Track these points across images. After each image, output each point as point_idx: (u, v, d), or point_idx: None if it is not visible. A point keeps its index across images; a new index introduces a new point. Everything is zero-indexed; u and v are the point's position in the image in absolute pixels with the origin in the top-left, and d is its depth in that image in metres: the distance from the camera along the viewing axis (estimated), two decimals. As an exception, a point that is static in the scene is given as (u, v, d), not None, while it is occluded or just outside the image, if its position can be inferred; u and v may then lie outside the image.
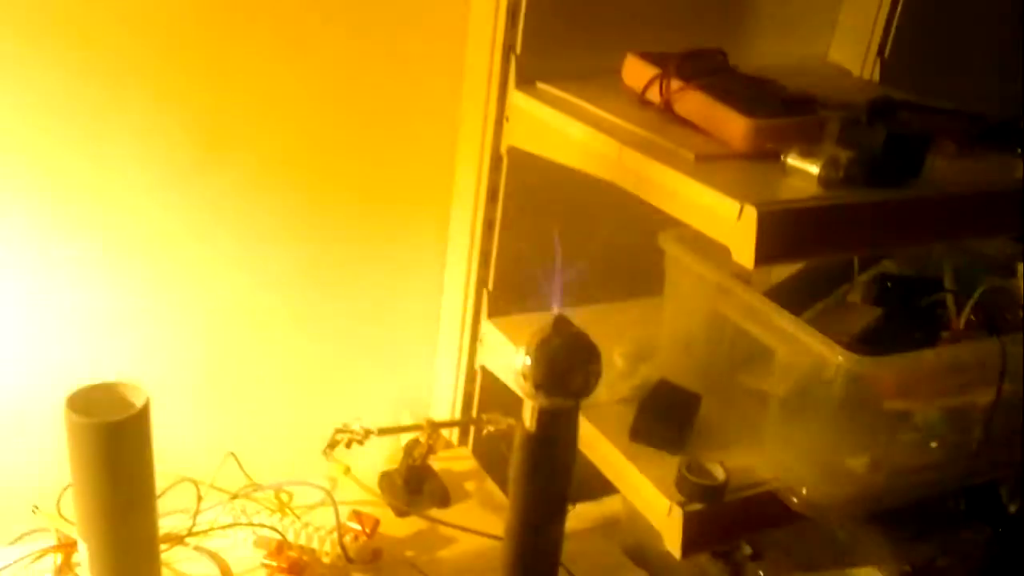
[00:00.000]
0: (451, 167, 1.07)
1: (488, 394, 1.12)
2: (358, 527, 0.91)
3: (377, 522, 0.93)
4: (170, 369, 1.00)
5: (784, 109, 0.85)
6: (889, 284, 1.02)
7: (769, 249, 0.73)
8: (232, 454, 0.92)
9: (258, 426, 1.06)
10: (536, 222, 1.05)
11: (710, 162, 0.80)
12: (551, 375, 0.45)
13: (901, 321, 0.98)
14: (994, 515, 1.17)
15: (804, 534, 1.17)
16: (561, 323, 0.46)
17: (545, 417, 0.46)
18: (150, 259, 0.96)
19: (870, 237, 0.80)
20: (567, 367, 0.46)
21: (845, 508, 0.89)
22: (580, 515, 1.17)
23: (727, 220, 0.74)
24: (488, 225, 1.04)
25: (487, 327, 1.08)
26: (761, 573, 1.14)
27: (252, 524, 0.90)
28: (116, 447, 0.65)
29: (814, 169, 0.77)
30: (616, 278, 1.08)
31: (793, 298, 0.95)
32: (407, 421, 1.08)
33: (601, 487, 0.96)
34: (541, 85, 0.96)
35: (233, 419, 1.05)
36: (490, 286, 1.07)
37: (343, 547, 0.88)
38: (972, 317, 0.97)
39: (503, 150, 1.00)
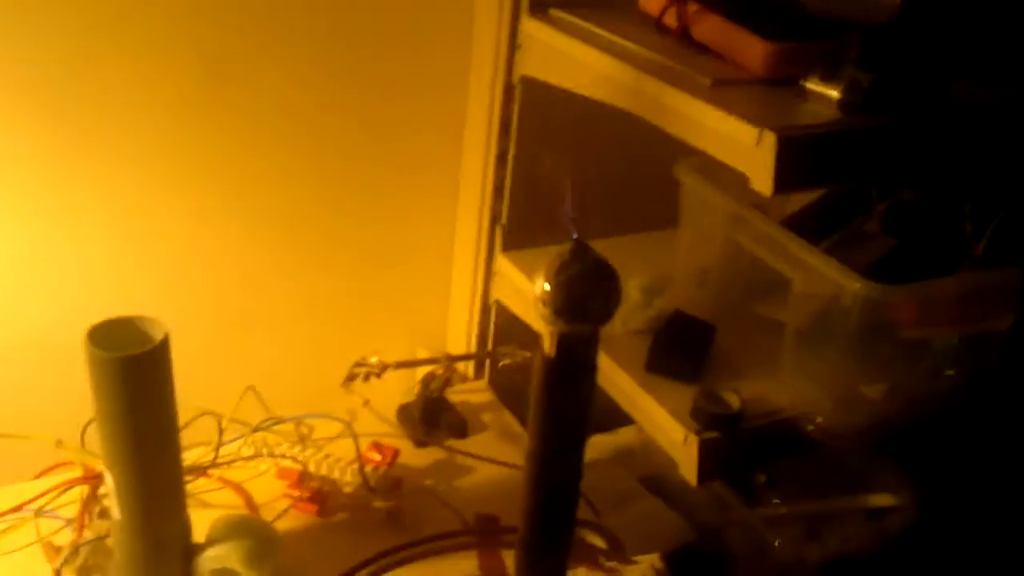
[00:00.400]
0: (463, 98, 1.05)
1: (503, 328, 1.12)
2: (378, 457, 0.92)
3: (397, 452, 0.94)
4: (189, 305, 1.00)
5: (803, 32, 0.83)
6: (906, 213, 1.01)
7: (788, 176, 0.72)
8: (252, 388, 0.93)
9: (276, 360, 1.07)
10: (550, 154, 1.05)
11: (727, 87, 0.79)
12: (570, 300, 0.45)
13: (918, 250, 0.97)
14: (1006, 442, 1.17)
15: (817, 463, 1.19)
16: (580, 248, 0.45)
17: (565, 343, 0.46)
18: (168, 196, 0.96)
19: (891, 163, 0.79)
20: (586, 292, 0.45)
21: (861, 435, 0.90)
22: (595, 446, 1.18)
23: (745, 146, 0.72)
24: (501, 158, 1.03)
25: (501, 261, 1.08)
26: (776, 501, 1.15)
27: (274, 456, 0.91)
28: (137, 380, 0.65)
29: (834, 93, 0.76)
30: (630, 210, 1.07)
31: (809, 228, 0.94)
32: (422, 355, 1.08)
33: (615, 419, 0.96)
34: (554, 12, 0.94)
35: (251, 354, 1.06)
36: (503, 220, 1.07)
37: (364, 477, 0.89)
38: (991, 244, 0.96)
39: (516, 79, 0.99)
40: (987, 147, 0.85)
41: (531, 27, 0.94)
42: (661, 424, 0.87)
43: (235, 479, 0.91)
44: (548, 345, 0.46)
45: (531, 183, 1.04)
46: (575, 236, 0.47)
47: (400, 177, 1.08)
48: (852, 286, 0.81)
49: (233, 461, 0.91)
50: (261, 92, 0.95)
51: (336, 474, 0.90)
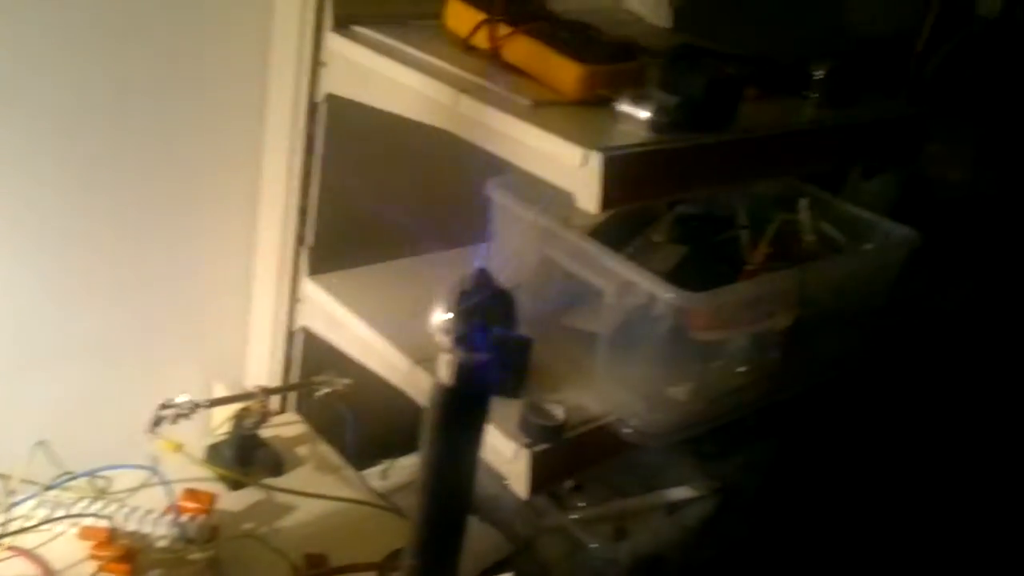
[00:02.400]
0: (260, 117, 1.00)
1: (310, 356, 1.08)
2: (194, 505, 0.85)
3: (213, 498, 0.87)
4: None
5: (610, 55, 0.86)
6: (693, 223, 1.08)
7: (612, 193, 0.75)
8: (43, 442, 0.82)
9: (66, 411, 0.95)
10: (358, 173, 1.02)
11: (546, 108, 0.81)
12: (473, 328, 0.44)
13: (704, 257, 1.04)
14: (782, 428, 1.29)
15: (617, 464, 1.24)
16: (482, 277, 0.45)
17: (464, 371, 0.45)
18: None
19: (698, 178, 0.85)
20: (489, 319, 0.45)
21: (671, 435, 0.94)
22: (401, 468, 1.17)
23: (570, 166, 0.75)
24: (305, 178, 1.00)
25: (308, 286, 1.04)
26: (582, 504, 1.19)
27: (75, 515, 0.81)
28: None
29: (644, 115, 0.80)
30: (442, 227, 1.07)
31: (606, 241, 0.98)
32: (220, 392, 1.01)
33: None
34: (358, 29, 0.92)
35: (37, 405, 0.94)
36: (309, 243, 1.03)
37: (181, 527, 0.82)
38: (769, 250, 1.05)
39: (320, 98, 0.95)
40: (775, 159, 0.92)
41: (336, 44, 0.92)
42: (488, 440, 0.86)
43: (28, 545, 0.80)
44: (446, 373, 0.45)
45: (339, 203, 1.01)
46: (478, 265, 0.46)
47: (191, 200, 1.01)
48: (665, 295, 0.86)
49: (32, 526, 0.80)
50: (38, 111, 0.86)
51: (148, 528, 0.82)
